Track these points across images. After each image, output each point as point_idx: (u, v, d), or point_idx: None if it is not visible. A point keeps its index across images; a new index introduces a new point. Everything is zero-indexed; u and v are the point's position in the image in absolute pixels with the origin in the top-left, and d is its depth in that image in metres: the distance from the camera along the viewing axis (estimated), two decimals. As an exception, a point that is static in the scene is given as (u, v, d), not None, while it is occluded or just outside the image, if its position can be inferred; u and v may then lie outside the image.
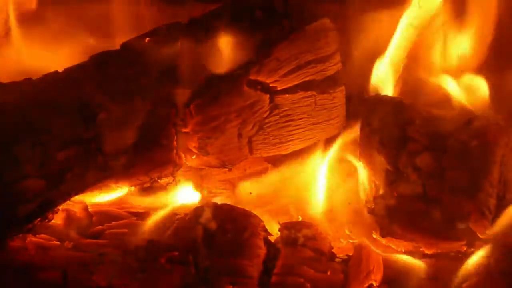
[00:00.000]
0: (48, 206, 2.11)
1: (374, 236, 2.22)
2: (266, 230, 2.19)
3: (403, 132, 2.19)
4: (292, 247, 2.16)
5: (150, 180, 2.28)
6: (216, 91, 2.28)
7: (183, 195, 2.37)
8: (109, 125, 2.14)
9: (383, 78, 2.41)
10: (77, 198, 2.23)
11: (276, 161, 2.45)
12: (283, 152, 2.40)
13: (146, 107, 2.20)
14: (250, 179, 2.43)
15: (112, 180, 2.23)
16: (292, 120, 2.37)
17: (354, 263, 2.15)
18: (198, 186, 2.41)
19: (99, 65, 2.24)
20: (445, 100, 2.35)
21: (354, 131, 2.35)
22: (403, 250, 2.20)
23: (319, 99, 2.38)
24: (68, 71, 2.23)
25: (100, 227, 2.29)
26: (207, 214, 2.17)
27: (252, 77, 2.30)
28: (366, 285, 2.09)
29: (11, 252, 2.12)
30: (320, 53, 2.37)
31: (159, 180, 2.30)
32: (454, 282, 2.06)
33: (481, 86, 2.35)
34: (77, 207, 2.33)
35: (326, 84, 2.39)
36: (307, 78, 2.37)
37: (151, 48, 2.27)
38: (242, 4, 2.40)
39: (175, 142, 2.26)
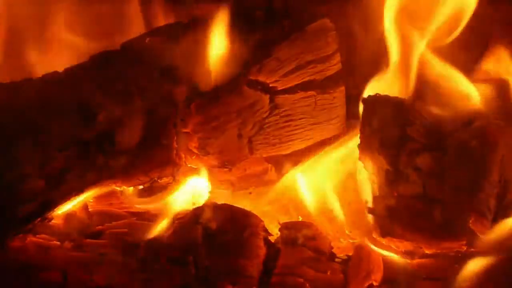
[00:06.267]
0: (48, 206, 2.11)
1: (374, 236, 2.22)
2: (266, 230, 2.19)
3: (403, 132, 2.19)
4: (292, 247, 2.16)
5: (150, 180, 2.28)
6: (216, 91, 2.28)
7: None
8: (109, 125, 2.14)
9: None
10: (77, 198, 2.23)
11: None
12: (283, 152, 2.40)
13: (146, 107, 2.20)
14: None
15: (112, 180, 2.22)
16: (292, 120, 2.37)
17: (354, 263, 2.14)
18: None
19: (99, 65, 2.25)
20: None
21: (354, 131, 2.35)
22: (403, 250, 2.20)
23: (319, 99, 2.39)
24: (68, 71, 2.23)
25: (100, 227, 2.28)
26: (207, 214, 2.17)
27: (252, 77, 2.30)
28: (366, 285, 2.10)
29: (11, 252, 2.12)
30: (320, 53, 2.37)
31: (159, 180, 2.30)
32: (454, 282, 2.07)
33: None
34: (77, 207, 2.33)
35: (326, 84, 2.39)
36: (307, 78, 2.37)
37: (151, 48, 2.27)
38: (242, 4, 2.40)
39: (175, 142, 2.26)
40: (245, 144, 2.33)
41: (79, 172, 2.12)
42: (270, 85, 2.32)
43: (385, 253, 2.19)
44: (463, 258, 2.11)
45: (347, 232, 2.31)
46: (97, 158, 2.14)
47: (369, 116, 2.26)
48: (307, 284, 2.07)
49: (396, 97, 2.34)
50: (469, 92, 2.36)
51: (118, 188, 2.31)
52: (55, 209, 2.16)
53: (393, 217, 2.18)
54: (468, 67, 2.44)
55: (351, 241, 2.29)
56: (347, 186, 2.37)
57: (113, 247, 2.16)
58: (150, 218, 2.27)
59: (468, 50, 2.47)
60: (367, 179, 2.27)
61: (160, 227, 2.20)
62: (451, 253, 2.16)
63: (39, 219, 2.12)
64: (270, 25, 2.36)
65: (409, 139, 2.18)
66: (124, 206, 2.38)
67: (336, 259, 2.18)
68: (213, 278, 2.08)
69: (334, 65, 2.39)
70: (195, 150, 2.28)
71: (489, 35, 2.51)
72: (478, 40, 2.50)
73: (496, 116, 2.29)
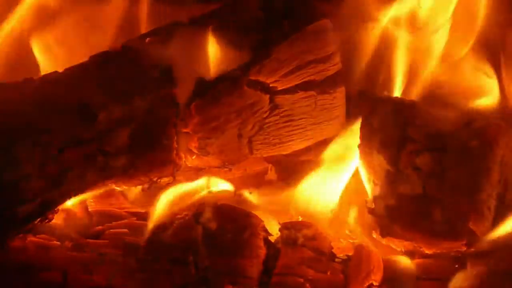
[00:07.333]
0: (48, 206, 2.11)
1: (374, 236, 2.22)
2: (266, 230, 2.19)
3: (403, 132, 2.19)
4: (292, 247, 2.16)
5: (150, 180, 2.28)
6: (216, 91, 2.28)
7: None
8: (109, 125, 2.14)
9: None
10: (77, 198, 2.23)
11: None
12: (283, 152, 2.40)
13: (145, 107, 2.20)
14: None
15: (112, 180, 2.22)
16: (292, 120, 2.37)
17: (354, 263, 2.15)
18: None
19: (99, 65, 2.24)
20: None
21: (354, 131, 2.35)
22: (403, 250, 2.20)
23: (319, 99, 2.38)
24: (68, 71, 2.23)
25: (100, 227, 2.29)
26: (207, 214, 2.17)
27: (252, 77, 2.30)
28: (366, 285, 2.10)
29: (11, 252, 2.12)
30: (320, 53, 2.37)
31: (159, 180, 2.30)
32: (454, 282, 2.07)
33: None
34: (77, 207, 2.33)
35: (326, 84, 2.39)
36: (307, 78, 2.37)
37: (151, 48, 2.27)
38: (242, 4, 2.40)
39: (175, 142, 2.26)
40: (245, 144, 2.33)
41: (79, 172, 2.12)
42: (270, 85, 2.32)
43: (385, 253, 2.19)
44: (463, 258, 2.12)
45: (347, 232, 2.31)
46: (97, 158, 2.14)
47: (369, 116, 2.26)
48: (307, 284, 2.07)
49: (396, 97, 2.35)
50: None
51: (118, 188, 2.32)
52: (55, 209, 2.16)
53: (393, 217, 2.18)
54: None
55: (351, 241, 2.29)
56: (347, 186, 2.37)
57: (113, 247, 2.16)
58: (150, 218, 2.27)
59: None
60: (367, 179, 2.28)
61: (160, 227, 2.20)
62: (451, 253, 2.16)
63: (39, 219, 2.12)
64: (270, 25, 2.36)
65: (409, 139, 2.18)
66: (124, 206, 2.38)
67: (336, 259, 2.18)
68: (213, 278, 2.08)
69: (334, 65, 2.39)
70: (195, 150, 2.28)
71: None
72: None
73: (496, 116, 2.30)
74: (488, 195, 2.12)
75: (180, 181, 2.36)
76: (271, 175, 2.49)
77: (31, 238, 2.17)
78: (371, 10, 2.47)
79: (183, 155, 2.28)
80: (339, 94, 2.41)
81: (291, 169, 2.44)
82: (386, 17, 2.46)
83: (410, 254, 2.20)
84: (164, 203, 2.24)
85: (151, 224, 2.20)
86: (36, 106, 2.11)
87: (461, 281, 2.07)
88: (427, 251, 2.17)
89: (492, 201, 2.13)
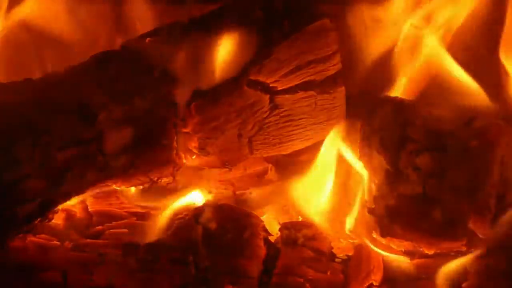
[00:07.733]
0: (48, 206, 2.11)
1: (374, 236, 2.22)
2: (266, 230, 2.19)
3: (403, 132, 2.19)
4: (292, 247, 2.16)
5: (150, 180, 2.28)
6: (216, 91, 2.28)
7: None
8: (109, 125, 2.15)
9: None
10: (77, 198, 2.24)
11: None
12: (283, 152, 2.40)
13: (145, 107, 2.20)
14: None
15: (112, 180, 2.22)
16: (292, 120, 2.37)
17: (354, 263, 2.15)
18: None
19: (99, 65, 2.25)
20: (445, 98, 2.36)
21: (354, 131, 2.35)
22: (403, 250, 2.20)
23: (319, 99, 2.38)
24: (68, 71, 2.23)
25: (100, 227, 2.29)
26: (207, 214, 2.17)
27: (252, 77, 2.30)
28: (366, 285, 2.10)
29: (11, 252, 2.12)
30: (320, 53, 2.37)
31: (159, 180, 2.30)
32: (453, 281, 2.07)
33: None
34: (77, 207, 2.33)
35: (326, 84, 2.39)
36: (307, 78, 2.37)
37: (151, 48, 2.27)
38: (242, 4, 2.40)
39: (175, 142, 2.26)
40: (245, 144, 2.33)
41: (79, 172, 2.12)
42: (270, 85, 2.32)
43: (385, 253, 2.19)
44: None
45: (347, 232, 2.31)
46: (97, 158, 2.14)
47: (369, 116, 2.26)
48: (307, 284, 2.08)
49: (396, 97, 2.34)
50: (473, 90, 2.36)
51: (118, 188, 2.32)
52: (55, 209, 2.16)
53: (393, 217, 2.18)
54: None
55: (351, 241, 2.29)
56: (347, 186, 2.37)
57: (113, 247, 2.16)
58: (150, 218, 2.27)
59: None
60: (367, 179, 2.28)
61: (160, 227, 2.20)
62: (451, 253, 2.16)
63: (39, 219, 2.12)
64: (270, 25, 2.36)
65: (409, 139, 2.18)
66: (124, 206, 2.38)
67: (336, 259, 2.18)
68: (213, 278, 2.08)
69: (334, 65, 2.39)
70: (195, 150, 2.28)
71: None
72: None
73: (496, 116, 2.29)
74: (488, 195, 2.12)
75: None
76: (271, 175, 2.49)
77: (31, 238, 2.18)
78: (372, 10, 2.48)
79: (183, 155, 2.28)
80: (339, 94, 2.41)
81: (291, 169, 2.45)
82: (387, 16, 2.46)
83: (410, 254, 2.20)
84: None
85: (151, 225, 2.20)
86: (36, 106, 2.11)
87: (460, 281, 2.08)
88: (427, 251, 2.17)
89: (492, 201, 2.13)
